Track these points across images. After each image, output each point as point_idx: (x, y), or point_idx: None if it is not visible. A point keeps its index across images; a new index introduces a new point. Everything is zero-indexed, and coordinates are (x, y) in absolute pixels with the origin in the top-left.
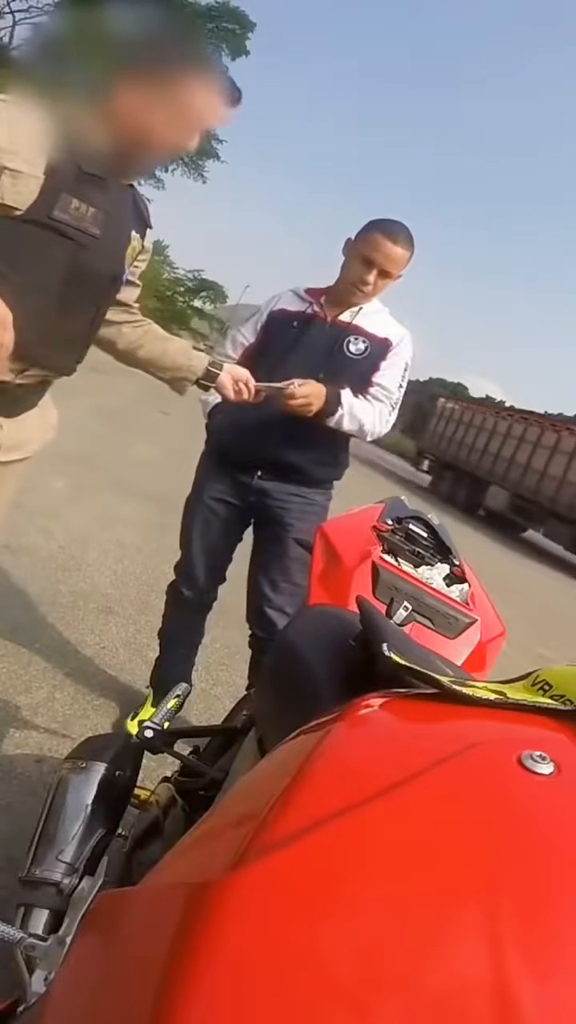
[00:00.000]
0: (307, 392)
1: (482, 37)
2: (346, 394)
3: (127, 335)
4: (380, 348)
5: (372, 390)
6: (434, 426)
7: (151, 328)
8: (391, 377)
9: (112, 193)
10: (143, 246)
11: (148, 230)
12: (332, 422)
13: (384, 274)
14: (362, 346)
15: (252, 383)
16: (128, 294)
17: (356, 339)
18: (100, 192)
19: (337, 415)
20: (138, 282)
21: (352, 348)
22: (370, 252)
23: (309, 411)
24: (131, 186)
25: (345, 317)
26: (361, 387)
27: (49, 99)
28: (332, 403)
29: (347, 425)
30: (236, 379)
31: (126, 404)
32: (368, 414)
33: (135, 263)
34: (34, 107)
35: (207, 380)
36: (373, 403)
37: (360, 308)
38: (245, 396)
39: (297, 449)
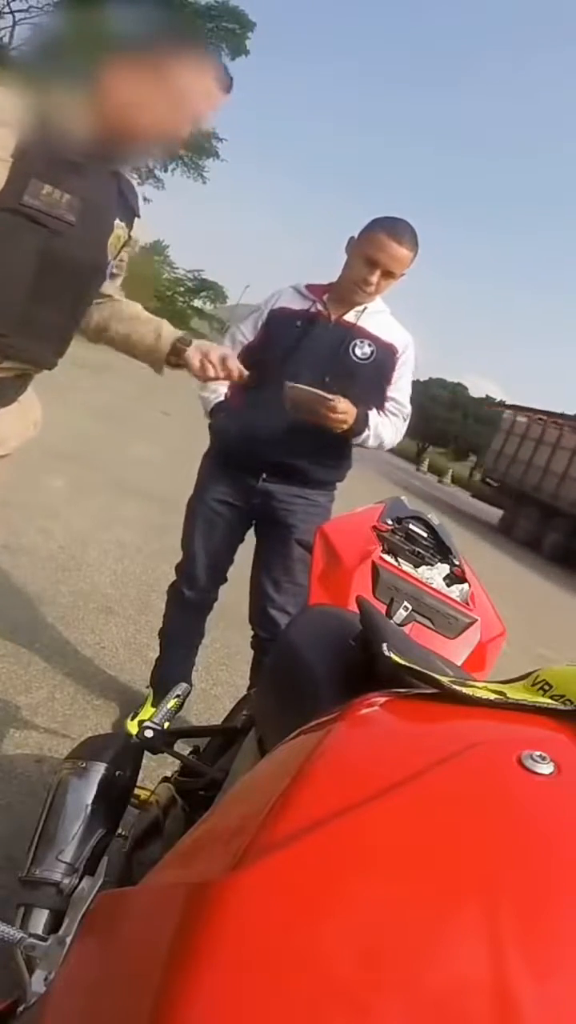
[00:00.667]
0: (346, 409)
1: (482, 37)
2: (372, 415)
3: (90, 316)
4: (385, 353)
5: (388, 405)
6: (501, 446)
7: (116, 306)
8: (403, 390)
9: (91, 179)
10: (129, 235)
11: (136, 219)
12: (358, 440)
13: (387, 274)
14: (368, 350)
15: (227, 361)
16: (108, 287)
17: (362, 343)
18: (77, 178)
19: (364, 435)
20: (118, 271)
21: (358, 352)
22: (374, 252)
23: (340, 428)
24: (116, 173)
25: (349, 317)
26: (366, 392)
27: (28, 82)
28: (361, 423)
29: (371, 443)
30: (204, 354)
31: (126, 403)
32: (388, 430)
33: (121, 253)
34: (10, 90)
35: (175, 356)
36: (390, 418)
37: (364, 308)
38: (211, 374)
39: (301, 451)
